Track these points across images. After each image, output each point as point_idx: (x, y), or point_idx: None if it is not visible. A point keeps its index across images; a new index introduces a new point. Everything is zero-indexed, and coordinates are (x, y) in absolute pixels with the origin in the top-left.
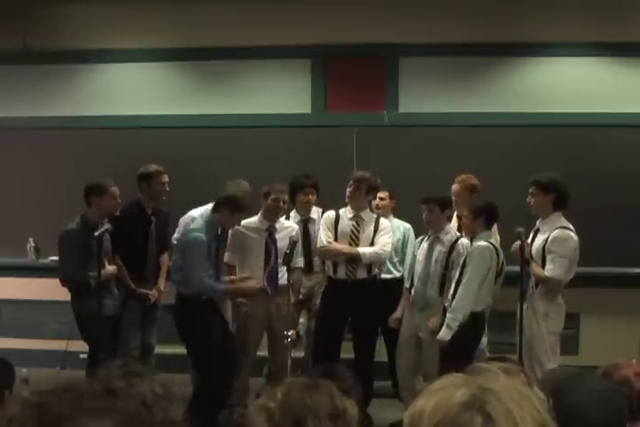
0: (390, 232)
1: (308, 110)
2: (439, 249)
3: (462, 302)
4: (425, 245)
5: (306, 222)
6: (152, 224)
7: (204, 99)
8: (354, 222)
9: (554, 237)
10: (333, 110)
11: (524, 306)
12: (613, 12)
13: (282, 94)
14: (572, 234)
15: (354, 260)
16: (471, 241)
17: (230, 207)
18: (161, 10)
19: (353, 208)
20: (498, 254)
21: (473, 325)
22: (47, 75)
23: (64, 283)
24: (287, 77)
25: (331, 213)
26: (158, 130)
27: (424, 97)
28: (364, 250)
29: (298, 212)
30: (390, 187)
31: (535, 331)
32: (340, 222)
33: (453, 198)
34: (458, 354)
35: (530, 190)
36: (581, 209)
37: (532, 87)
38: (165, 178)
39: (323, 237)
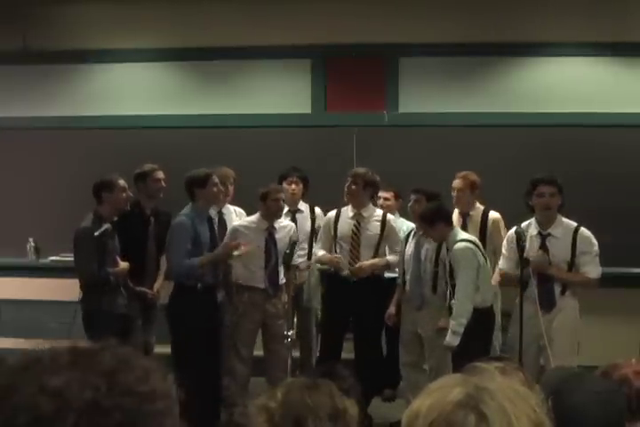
0: (400, 234)
1: (308, 110)
2: (427, 247)
3: (462, 307)
4: (412, 242)
5: (294, 214)
6: (150, 224)
7: (204, 99)
8: (354, 222)
9: (583, 237)
10: (333, 110)
11: (553, 315)
12: (612, 12)
13: (282, 94)
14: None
15: (384, 269)
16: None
17: (194, 185)
18: (161, 10)
19: (354, 206)
20: (480, 249)
21: (482, 321)
22: (47, 75)
23: (82, 281)
24: (287, 77)
25: (331, 214)
26: (158, 130)
27: (424, 97)
28: (393, 259)
29: (285, 202)
30: (396, 187)
31: (569, 342)
32: (340, 222)
33: (454, 194)
34: (472, 352)
35: (549, 191)
36: (581, 209)
37: (532, 87)
38: (160, 174)
39: (319, 251)
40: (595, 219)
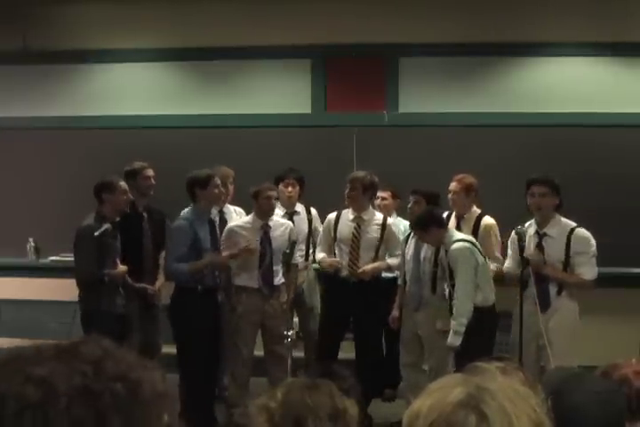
0: (399, 234)
1: (308, 110)
2: (426, 248)
3: (462, 307)
4: (412, 243)
5: (291, 216)
6: (144, 220)
7: (204, 99)
8: (355, 225)
9: (578, 237)
10: (333, 110)
11: (549, 316)
12: (613, 12)
13: (282, 94)
14: (588, 232)
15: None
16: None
17: (195, 186)
18: (161, 10)
19: (354, 210)
20: (477, 248)
21: (484, 320)
22: (47, 75)
23: (79, 280)
24: (287, 77)
25: (331, 216)
26: (158, 130)
27: (424, 97)
28: (393, 262)
29: (281, 204)
30: (393, 186)
31: (567, 343)
32: (340, 224)
33: (450, 196)
34: (475, 351)
35: (539, 191)
36: (581, 209)
37: (532, 87)
38: (150, 172)
39: (320, 254)
40: (595, 219)
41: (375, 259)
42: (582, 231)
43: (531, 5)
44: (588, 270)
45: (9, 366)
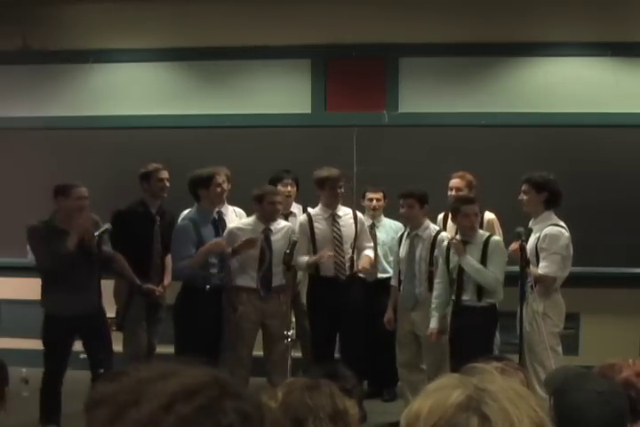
0: (391, 233)
1: (308, 110)
2: (421, 247)
3: (497, 284)
4: (406, 243)
5: (287, 217)
6: (156, 223)
7: (204, 99)
8: (334, 222)
9: (545, 234)
10: (333, 110)
11: (524, 306)
12: (612, 13)
13: (282, 94)
14: (563, 231)
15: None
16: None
17: (198, 186)
18: (161, 10)
19: (334, 207)
20: None
21: (488, 317)
22: (47, 75)
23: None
24: (287, 77)
25: (302, 219)
26: (158, 130)
27: (424, 97)
28: (371, 253)
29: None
30: (384, 187)
31: (534, 330)
32: (317, 225)
33: (453, 193)
34: (475, 350)
35: (522, 188)
36: (581, 209)
37: (533, 87)
38: (164, 174)
39: (300, 258)
40: (594, 219)
41: (354, 253)
42: (553, 230)
43: (531, 6)
44: (544, 265)
45: (217, 393)
